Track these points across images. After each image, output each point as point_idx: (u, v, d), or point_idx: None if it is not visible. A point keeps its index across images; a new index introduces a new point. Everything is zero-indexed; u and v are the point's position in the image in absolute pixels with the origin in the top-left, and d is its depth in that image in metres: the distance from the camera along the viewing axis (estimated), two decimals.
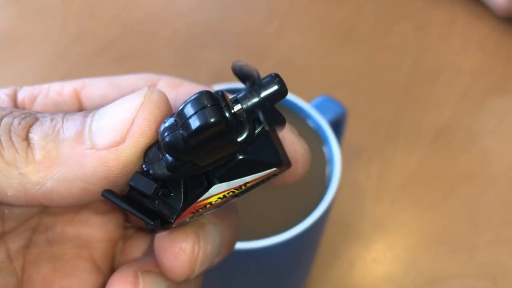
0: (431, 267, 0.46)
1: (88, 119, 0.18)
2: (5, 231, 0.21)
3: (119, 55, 0.59)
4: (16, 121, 0.18)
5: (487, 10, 0.63)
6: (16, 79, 0.57)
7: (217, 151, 0.17)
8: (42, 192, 0.18)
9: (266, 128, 0.17)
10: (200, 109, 0.16)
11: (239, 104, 0.17)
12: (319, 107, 0.40)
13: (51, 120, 0.19)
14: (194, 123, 0.16)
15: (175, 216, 0.18)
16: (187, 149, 0.16)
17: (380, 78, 0.58)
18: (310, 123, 0.39)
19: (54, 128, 0.18)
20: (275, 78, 0.16)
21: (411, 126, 0.54)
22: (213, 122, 0.16)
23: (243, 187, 0.19)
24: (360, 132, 0.53)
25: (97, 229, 0.23)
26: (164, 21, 0.63)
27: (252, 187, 0.19)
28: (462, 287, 0.45)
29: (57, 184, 0.18)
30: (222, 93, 0.17)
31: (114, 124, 0.18)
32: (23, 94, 0.23)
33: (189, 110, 0.16)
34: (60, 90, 0.23)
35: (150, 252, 0.23)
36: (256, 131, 0.17)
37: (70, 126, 0.18)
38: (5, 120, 0.18)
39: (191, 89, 0.22)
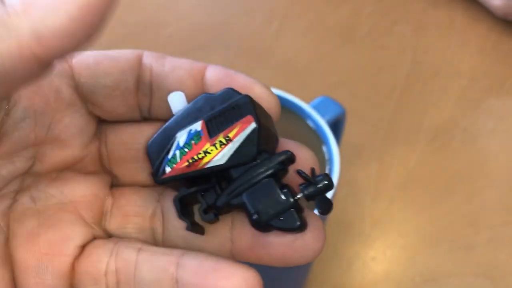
0: (430, 266, 0.47)
1: None
2: None
3: None
4: None
5: (485, 11, 0.64)
6: None
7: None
8: None
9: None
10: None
11: (301, 193, 0.22)
12: (318, 108, 0.40)
13: None
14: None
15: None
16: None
17: (379, 79, 0.59)
18: (310, 123, 0.39)
19: None
20: (326, 176, 0.22)
21: (410, 126, 0.55)
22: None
23: None
24: (359, 132, 0.54)
25: (81, 185, 0.24)
26: (165, 22, 0.63)
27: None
28: (461, 285, 0.46)
29: None
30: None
31: None
32: None
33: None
34: None
35: (145, 206, 0.24)
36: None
37: None
38: None
39: (174, 60, 0.24)
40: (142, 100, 0.24)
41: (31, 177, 0.24)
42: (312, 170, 0.23)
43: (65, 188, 0.24)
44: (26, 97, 0.23)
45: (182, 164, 0.22)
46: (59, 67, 0.23)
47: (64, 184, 0.24)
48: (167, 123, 0.23)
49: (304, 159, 0.23)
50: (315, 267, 0.45)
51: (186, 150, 0.22)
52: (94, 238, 0.24)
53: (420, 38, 0.62)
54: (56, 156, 0.24)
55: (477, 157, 0.53)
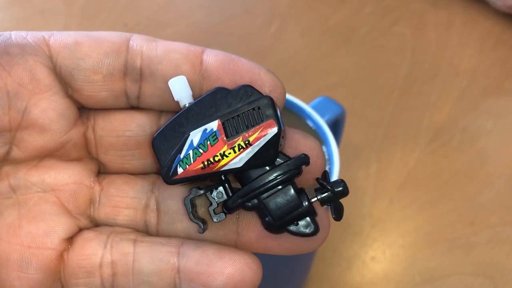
0: (429, 265, 0.47)
1: None
2: None
3: None
4: None
5: (485, 11, 0.64)
6: None
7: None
8: None
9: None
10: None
11: (315, 197, 0.22)
12: (318, 108, 0.40)
13: None
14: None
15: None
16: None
17: (379, 79, 0.59)
18: (309, 123, 0.39)
19: None
20: (341, 182, 0.22)
21: (409, 126, 0.55)
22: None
23: None
24: (359, 132, 0.54)
25: (63, 173, 0.23)
26: (165, 22, 0.63)
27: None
28: (460, 285, 0.46)
29: None
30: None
31: None
32: None
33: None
34: (25, 35, 0.22)
35: (139, 193, 0.23)
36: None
37: None
38: None
39: (168, 44, 0.23)
40: (131, 87, 0.22)
41: (9, 164, 0.22)
42: (325, 173, 0.23)
43: (46, 177, 0.23)
44: None
45: (196, 166, 0.21)
46: (35, 45, 0.22)
47: (45, 172, 0.23)
48: (176, 116, 0.22)
49: (310, 149, 0.23)
50: (315, 266, 0.45)
51: (201, 151, 0.21)
52: (80, 229, 0.23)
53: (420, 38, 0.62)
54: (34, 141, 0.22)
55: (476, 157, 0.53)
